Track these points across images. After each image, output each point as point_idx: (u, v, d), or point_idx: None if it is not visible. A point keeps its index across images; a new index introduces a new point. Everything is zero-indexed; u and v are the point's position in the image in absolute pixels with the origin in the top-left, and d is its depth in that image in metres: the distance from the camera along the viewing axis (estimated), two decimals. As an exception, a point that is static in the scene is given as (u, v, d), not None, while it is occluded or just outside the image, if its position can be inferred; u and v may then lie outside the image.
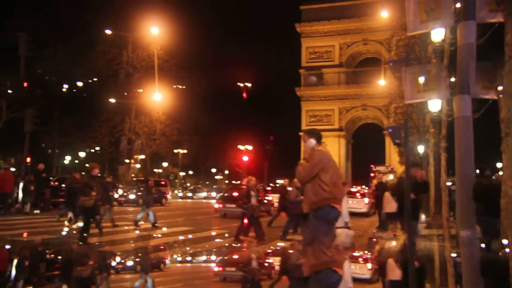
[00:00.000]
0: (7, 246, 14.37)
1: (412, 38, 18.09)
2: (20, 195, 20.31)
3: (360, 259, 15.80)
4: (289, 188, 14.88)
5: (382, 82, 38.10)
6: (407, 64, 10.21)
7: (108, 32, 42.94)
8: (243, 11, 79.97)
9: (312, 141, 6.04)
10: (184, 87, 49.61)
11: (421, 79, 8.70)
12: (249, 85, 55.51)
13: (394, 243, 12.44)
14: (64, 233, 15.31)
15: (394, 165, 35.58)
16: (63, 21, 44.69)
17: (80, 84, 52.61)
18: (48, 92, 43.12)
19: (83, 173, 16.90)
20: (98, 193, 13.03)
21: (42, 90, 41.63)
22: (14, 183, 19.94)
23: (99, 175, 16.51)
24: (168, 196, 37.06)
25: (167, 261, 15.63)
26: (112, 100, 44.56)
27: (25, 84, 37.99)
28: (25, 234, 14.69)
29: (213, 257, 22.98)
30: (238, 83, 55.31)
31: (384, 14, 30.75)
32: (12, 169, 32.44)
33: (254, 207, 14.13)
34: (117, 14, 43.51)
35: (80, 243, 12.28)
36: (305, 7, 48.00)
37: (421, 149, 20.03)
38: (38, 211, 20.14)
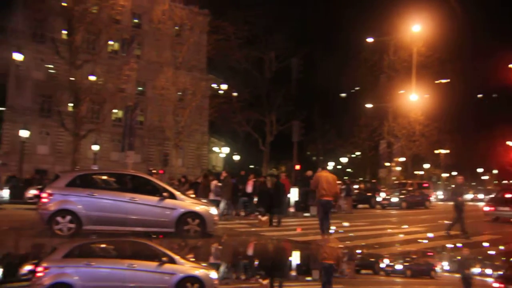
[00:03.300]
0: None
1: None
2: (292, 199, 22.48)
3: None
4: None
5: None
6: None
7: (369, 40, 43.80)
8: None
9: (319, 169, 13.70)
10: (448, 80, 46.62)
11: None
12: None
13: None
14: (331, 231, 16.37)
15: None
16: (325, 37, 47.35)
17: (343, 95, 55.11)
18: (311, 104, 46.53)
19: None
20: None
21: (307, 103, 45.15)
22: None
23: None
24: (431, 199, 36.27)
25: (437, 269, 14.92)
26: (369, 105, 45.51)
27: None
28: (298, 229, 16.40)
29: (488, 271, 21.29)
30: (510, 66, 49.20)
31: None
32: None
33: None
34: (377, 21, 44.02)
35: None
36: None
37: None
38: (308, 214, 22.01)
